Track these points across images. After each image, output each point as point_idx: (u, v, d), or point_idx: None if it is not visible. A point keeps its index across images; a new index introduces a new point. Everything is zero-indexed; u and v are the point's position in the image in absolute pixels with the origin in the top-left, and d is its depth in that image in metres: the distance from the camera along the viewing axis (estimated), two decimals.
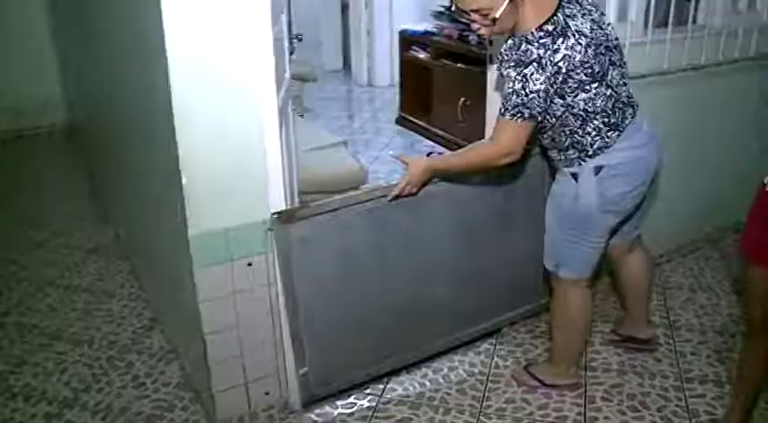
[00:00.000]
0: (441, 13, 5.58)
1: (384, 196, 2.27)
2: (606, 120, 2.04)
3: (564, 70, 1.92)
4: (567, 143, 2.12)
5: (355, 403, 2.44)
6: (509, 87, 1.96)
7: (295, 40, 2.95)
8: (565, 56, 1.91)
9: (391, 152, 2.67)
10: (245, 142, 2.02)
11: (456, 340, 2.67)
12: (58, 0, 4.75)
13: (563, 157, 2.18)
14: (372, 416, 2.37)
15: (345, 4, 7.66)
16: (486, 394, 2.47)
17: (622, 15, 2.84)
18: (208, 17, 1.85)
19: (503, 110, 1.99)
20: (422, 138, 5.46)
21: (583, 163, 2.12)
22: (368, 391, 2.49)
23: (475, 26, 2.01)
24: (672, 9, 2.86)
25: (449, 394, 2.47)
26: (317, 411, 2.40)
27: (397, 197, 2.25)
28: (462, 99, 4.83)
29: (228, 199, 2.04)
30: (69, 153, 5.27)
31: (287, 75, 2.63)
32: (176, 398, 2.47)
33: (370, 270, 2.35)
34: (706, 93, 3.11)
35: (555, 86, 1.95)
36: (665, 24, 2.89)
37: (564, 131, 2.09)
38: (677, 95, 3.00)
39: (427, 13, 5.96)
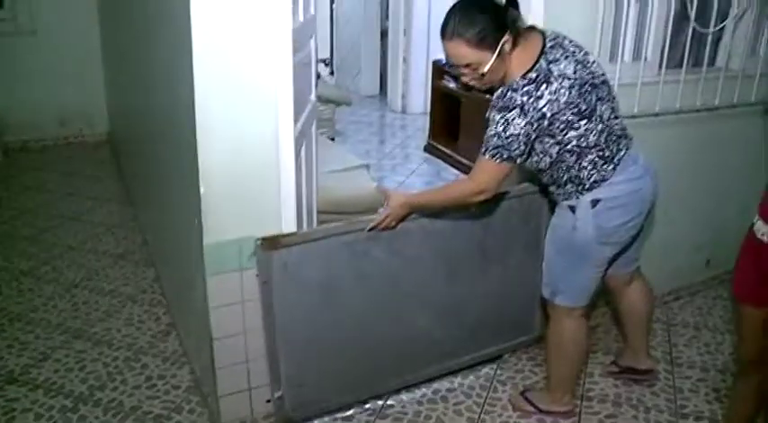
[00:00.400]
0: None
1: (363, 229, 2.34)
2: (601, 153, 2.13)
3: (549, 114, 2.03)
4: (564, 178, 2.21)
5: (353, 417, 2.52)
6: (491, 129, 2.07)
7: (321, 65, 3.08)
8: (549, 101, 2.01)
9: (375, 184, 2.77)
10: (261, 159, 2.15)
11: (442, 370, 2.72)
12: (107, 18, 5.01)
13: (561, 192, 2.26)
14: None
15: (385, 31, 7.84)
16: (482, 417, 2.54)
17: (637, 55, 2.92)
18: (232, 42, 1.99)
19: (483, 150, 2.09)
20: (448, 165, 5.57)
21: (580, 196, 2.20)
22: (367, 405, 2.58)
23: (465, 79, 2.13)
24: (687, 50, 2.93)
25: (445, 415, 2.54)
26: (317, 422, 2.49)
27: (374, 228, 2.31)
28: None
29: (243, 212, 2.16)
30: (109, 162, 5.50)
31: (312, 97, 2.77)
32: (185, 400, 2.59)
33: (351, 299, 2.42)
34: (719, 133, 3.17)
35: (539, 130, 2.05)
36: (682, 65, 2.96)
37: (561, 167, 2.18)
38: (689, 134, 3.07)
39: None
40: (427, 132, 6.12)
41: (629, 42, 2.91)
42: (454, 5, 2.07)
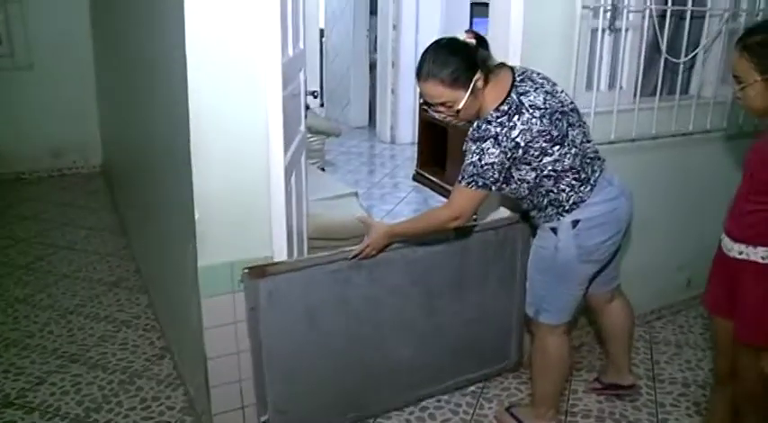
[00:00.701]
0: None
1: (347, 258, 2.43)
2: (577, 176, 2.24)
3: (522, 143, 2.14)
4: (545, 202, 2.32)
5: None
6: (468, 159, 2.19)
7: (310, 96, 3.20)
8: (521, 130, 2.13)
9: (357, 215, 2.87)
10: (253, 187, 2.23)
11: (421, 395, 2.79)
12: (104, 48, 5.15)
13: (543, 215, 2.37)
14: None
15: (373, 63, 8.03)
16: None
17: (613, 84, 3.06)
18: (225, 78, 2.09)
19: (460, 178, 2.21)
20: (435, 193, 5.69)
21: (561, 218, 2.31)
22: None
23: (441, 116, 2.27)
24: (660, 79, 3.07)
25: None
26: None
27: (356, 257, 2.41)
28: None
29: (236, 236, 2.25)
30: (103, 193, 5.61)
31: (301, 128, 2.88)
32: (179, 420, 2.65)
33: (334, 325, 2.49)
34: (695, 157, 3.30)
35: (512, 159, 2.17)
36: (656, 93, 3.10)
37: (540, 192, 2.29)
38: (666, 159, 3.19)
39: None
40: (415, 162, 6.26)
41: (605, 72, 3.05)
42: (427, 49, 2.20)
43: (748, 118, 3.18)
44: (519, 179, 2.25)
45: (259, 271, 2.27)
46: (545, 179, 2.23)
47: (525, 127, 2.14)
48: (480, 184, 2.18)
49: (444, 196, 5.52)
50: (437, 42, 2.21)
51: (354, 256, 2.41)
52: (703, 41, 3.19)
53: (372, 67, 8.14)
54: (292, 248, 2.46)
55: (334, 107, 8.79)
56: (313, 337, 2.46)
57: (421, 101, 5.39)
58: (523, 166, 2.21)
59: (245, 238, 2.27)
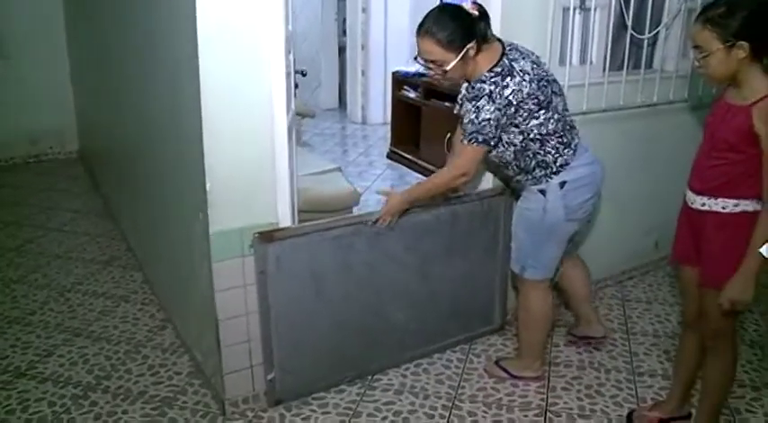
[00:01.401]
0: None
1: (351, 224, 2.63)
2: (560, 139, 2.45)
3: (514, 102, 2.34)
4: (532, 164, 2.51)
5: (345, 390, 2.77)
6: (466, 118, 2.40)
7: (299, 75, 3.35)
8: (513, 90, 2.33)
9: (377, 190, 3.07)
10: (259, 156, 2.39)
11: (419, 355, 2.99)
12: (79, 35, 5.20)
13: (530, 178, 2.56)
14: (360, 400, 2.71)
15: (343, 46, 8.16)
16: (461, 384, 2.82)
17: (584, 59, 3.27)
18: (235, 50, 2.24)
19: (461, 138, 2.42)
20: (410, 170, 5.87)
21: (549, 180, 2.52)
22: (357, 381, 2.83)
23: (430, 73, 2.48)
24: (627, 54, 3.29)
25: (428, 384, 2.81)
26: (313, 396, 2.73)
27: (376, 223, 2.61)
28: (448, 135, 5.24)
29: (243, 203, 2.40)
30: (82, 177, 5.67)
31: (292, 105, 3.02)
32: (188, 384, 2.80)
33: (336, 288, 2.67)
34: (659, 127, 3.53)
35: (506, 117, 2.36)
36: (623, 67, 3.31)
37: (528, 155, 2.49)
38: (634, 128, 3.42)
39: None
40: (388, 141, 6.43)
41: (576, 48, 3.25)
42: (433, 8, 2.39)
43: (708, 89, 3.42)
44: (506, 142, 2.45)
45: (267, 236, 2.44)
46: (531, 142, 2.43)
47: (516, 88, 2.33)
48: (480, 140, 2.36)
49: (419, 173, 5.71)
50: (444, 5, 2.41)
51: (375, 223, 2.60)
52: (665, 19, 3.42)
53: (342, 50, 8.27)
54: (294, 215, 2.62)
55: (304, 90, 8.85)
56: (317, 300, 2.64)
57: (403, 73, 5.56)
58: (512, 129, 2.40)
59: (252, 205, 2.42)
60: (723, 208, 2.14)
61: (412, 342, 2.96)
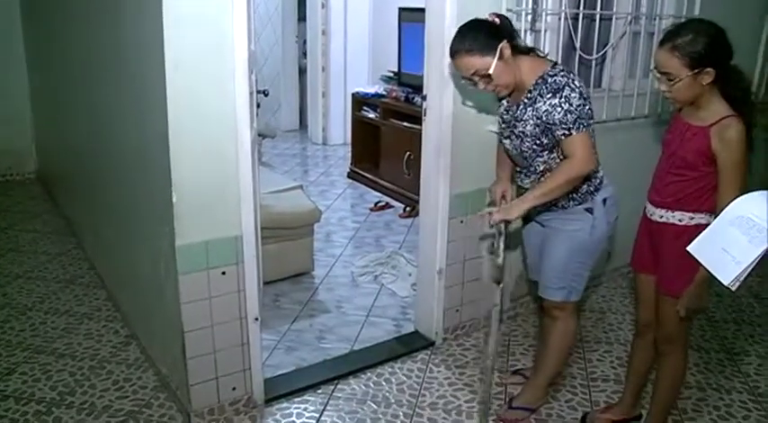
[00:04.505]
0: (390, 77, 6.20)
1: None
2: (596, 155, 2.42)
3: (586, 95, 2.30)
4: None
5: (309, 399, 2.83)
6: (559, 112, 2.27)
7: (261, 95, 3.43)
8: (579, 87, 2.30)
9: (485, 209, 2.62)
10: (223, 171, 2.45)
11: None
12: (40, 54, 5.20)
13: (576, 196, 2.46)
14: (323, 410, 2.77)
15: (303, 68, 8.27)
16: (422, 392, 2.90)
17: None
18: (201, 69, 2.31)
19: (566, 132, 2.27)
20: (371, 190, 5.98)
21: (594, 197, 2.46)
22: (320, 390, 2.89)
23: (481, 87, 2.37)
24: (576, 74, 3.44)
25: (390, 392, 2.89)
26: (277, 407, 2.78)
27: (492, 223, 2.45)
28: (407, 154, 5.37)
29: (209, 216, 2.46)
30: (42, 198, 5.64)
31: (255, 123, 3.11)
32: (153, 398, 2.83)
33: None
34: (610, 143, 3.66)
35: (588, 106, 2.30)
36: None
37: None
38: None
39: (378, 77, 6.58)
40: (349, 160, 6.54)
41: None
42: (455, 33, 2.37)
43: (664, 106, 3.61)
44: (558, 150, 2.39)
45: None
46: None
47: (580, 85, 2.31)
48: (585, 124, 2.28)
49: (380, 192, 5.82)
50: (462, 25, 2.38)
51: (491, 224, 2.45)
52: (612, 40, 3.59)
53: (302, 71, 8.38)
54: (257, 229, 2.68)
55: (266, 111, 8.94)
56: None
57: (362, 94, 5.59)
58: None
59: (217, 218, 2.48)
60: (680, 220, 2.27)
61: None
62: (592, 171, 2.37)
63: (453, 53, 2.35)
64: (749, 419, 2.76)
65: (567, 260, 2.53)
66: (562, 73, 2.31)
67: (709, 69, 2.10)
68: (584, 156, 2.29)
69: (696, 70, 2.10)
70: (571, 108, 2.26)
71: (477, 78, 2.34)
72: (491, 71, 2.30)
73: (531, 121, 2.37)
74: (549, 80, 2.30)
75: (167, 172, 2.35)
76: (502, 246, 2.44)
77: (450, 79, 2.96)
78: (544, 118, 2.31)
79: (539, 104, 2.32)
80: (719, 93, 2.17)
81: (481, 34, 2.31)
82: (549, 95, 2.29)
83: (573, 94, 2.26)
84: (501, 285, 2.48)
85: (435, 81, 3.03)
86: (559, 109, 2.27)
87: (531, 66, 2.38)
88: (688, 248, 2.05)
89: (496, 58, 2.29)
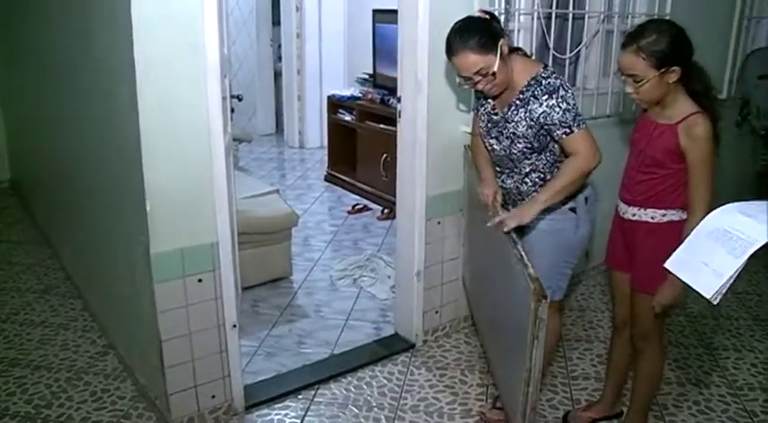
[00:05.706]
0: (365, 79, 6.19)
1: None
2: None
3: (575, 98, 2.33)
4: None
5: (290, 405, 2.82)
6: (558, 112, 2.28)
7: (236, 100, 3.41)
8: (569, 88, 2.33)
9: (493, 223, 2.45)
10: (198, 177, 2.42)
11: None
12: (10, 63, 5.12)
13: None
14: (305, 415, 2.75)
15: (279, 72, 8.23)
16: (403, 395, 2.89)
17: None
18: (172, 73, 2.28)
19: (567, 130, 2.28)
20: (348, 192, 5.97)
21: (579, 195, 2.44)
22: (300, 396, 2.88)
23: (481, 86, 2.34)
24: None
25: (371, 396, 2.88)
26: (257, 413, 2.76)
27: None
28: (384, 156, 5.37)
29: (184, 223, 2.43)
30: (15, 208, 5.55)
31: (229, 128, 3.08)
32: (132, 408, 2.79)
33: None
34: None
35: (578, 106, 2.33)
36: None
37: (560, 165, 2.43)
38: None
39: (353, 79, 6.57)
40: (326, 163, 6.52)
41: None
42: (449, 32, 2.35)
43: (628, 106, 3.63)
44: (550, 150, 2.41)
45: None
46: (563, 154, 2.41)
47: (570, 87, 2.33)
48: (583, 120, 2.31)
49: (357, 194, 5.81)
50: (455, 24, 2.35)
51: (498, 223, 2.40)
52: (585, 39, 3.62)
53: (278, 75, 8.35)
54: (234, 235, 2.66)
55: (241, 116, 8.90)
56: None
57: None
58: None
59: (192, 225, 2.46)
60: (652, 218, 2.29)
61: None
62: (598, 164, 2.35)
63: (456, 51, 2.31)
64: (728, 413, 2.79)
65: (554, 261, 2.52)
66: (554, 75, 2.33)
67: (674, 68, 2.13)
68: (589, 150, 2.31)
69: (662, 70, 2.12)
70: (569, 107, 2.28)
71: (479, 77, 2.32)
72: (495, 69, 2.29)
73: (524, 123, 2.36)
74: (544, 82, 2.31)
75: (140, 179, 2.32)
76: (523, 253, 2.29)
77: (424, 81, 2.95)
78: (541, 120, 2.32)
79: (533, 106, 2.32)
80: (684, 90, 2.20)
81: (483, 32, 2.29)
82: (545, 97, 2.29)
83: (567, 94, 2.29)
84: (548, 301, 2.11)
85: (409, 83, 3.03)
86: (558, 109, 2.28)
87: (523, 66, 2.38)
88: (665, 265, 2.05)
89: (498, 57, 2.28)
